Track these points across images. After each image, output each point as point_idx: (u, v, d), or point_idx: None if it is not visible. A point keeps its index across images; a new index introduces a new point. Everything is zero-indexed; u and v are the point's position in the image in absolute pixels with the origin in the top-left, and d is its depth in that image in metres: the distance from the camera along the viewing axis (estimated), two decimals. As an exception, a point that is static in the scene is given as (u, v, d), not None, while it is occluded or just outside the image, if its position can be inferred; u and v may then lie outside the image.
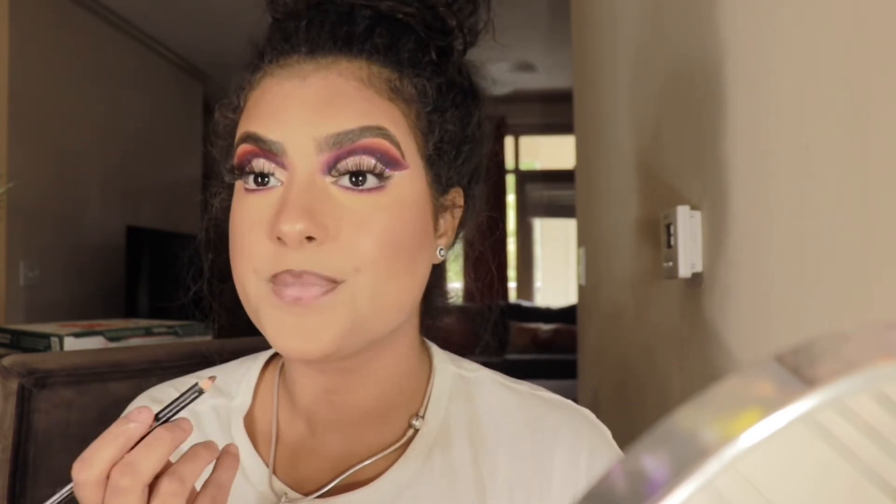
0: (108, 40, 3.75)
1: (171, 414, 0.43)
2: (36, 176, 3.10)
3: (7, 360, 0.70)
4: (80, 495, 0.41)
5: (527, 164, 5.97)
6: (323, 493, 0.54)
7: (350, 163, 0.48)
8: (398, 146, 0.49)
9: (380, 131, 0.48)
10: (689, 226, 0.84)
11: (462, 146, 0.55)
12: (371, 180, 0.48)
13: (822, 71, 0.57)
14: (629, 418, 1.29)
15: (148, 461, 0.40)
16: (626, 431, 0.61)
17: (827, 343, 0.18)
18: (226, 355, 0.66)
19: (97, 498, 0.40)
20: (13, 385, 0.68)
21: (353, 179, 0.48)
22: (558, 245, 6.21)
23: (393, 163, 0.49)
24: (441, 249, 0.55)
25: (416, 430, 0.57)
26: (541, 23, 3.93)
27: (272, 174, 0.49)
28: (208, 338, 1.18)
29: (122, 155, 3.83)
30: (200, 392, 0.44)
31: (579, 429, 0.57)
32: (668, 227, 0.89)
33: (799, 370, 0.17)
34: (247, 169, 0.49)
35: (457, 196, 0.56)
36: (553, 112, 5.12)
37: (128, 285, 3.69)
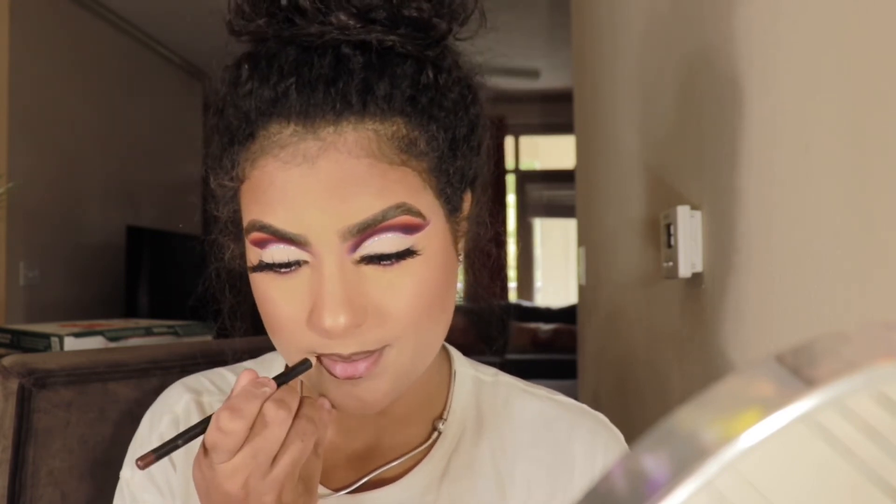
0: (108, 40, 3.75)
1: (285, 381, 0.49)
2: (36, 176, 3.10)
3: (7, 360, 0.70)
4: (221, 442, 0.44)
5: (527, 164, 5.96)
6: (351, 491, 0.56)
7: (373, 247, 0.47)
8: (419, 213, 0.48)
9: (399, 208, 0.47)
10: (689, 226, 0.84)
11: (471, 159, 0.53)
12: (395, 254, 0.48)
13: (823, 71, 0.57)
14: (629, 418, 1.29)
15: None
16: (627, 431, 0.62)
17: (827, 343, 0.18)
18: (228, 355, 0.67)
19: (236, 443, 0.45)
20: (13, 385, 0.68)
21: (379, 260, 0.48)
22: (558, 245, 6.21)
23: (415, 230, 0.48)
24: (460, 255, 0.55)
25: (440, 433, 0.59)
26: (541, 23, 3.92)
27: (297, 261, 0.48)
28: (208, 338, 1.18)
29: (122, 155, 3.83)
30: (310, 366, 0.49)
31: (595, 431, 0.60)
32: (668, 227, 0.89)
33: (799, 370, 0.17)
34: (267, 260, 0.48)
35: (467, 199, 0.55)
36: (553, 112, 5.11)
37: (128, 285, 3.69)
